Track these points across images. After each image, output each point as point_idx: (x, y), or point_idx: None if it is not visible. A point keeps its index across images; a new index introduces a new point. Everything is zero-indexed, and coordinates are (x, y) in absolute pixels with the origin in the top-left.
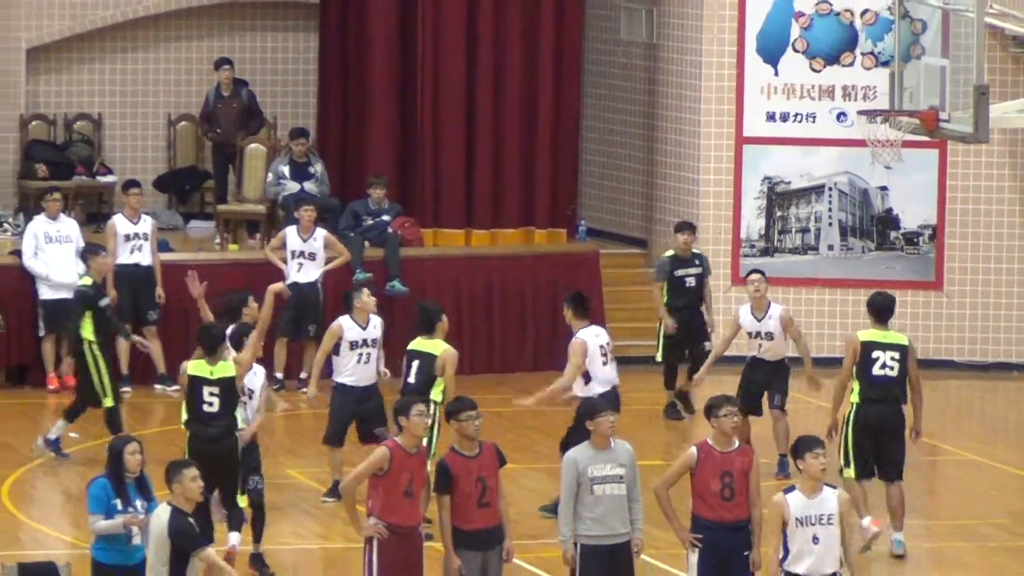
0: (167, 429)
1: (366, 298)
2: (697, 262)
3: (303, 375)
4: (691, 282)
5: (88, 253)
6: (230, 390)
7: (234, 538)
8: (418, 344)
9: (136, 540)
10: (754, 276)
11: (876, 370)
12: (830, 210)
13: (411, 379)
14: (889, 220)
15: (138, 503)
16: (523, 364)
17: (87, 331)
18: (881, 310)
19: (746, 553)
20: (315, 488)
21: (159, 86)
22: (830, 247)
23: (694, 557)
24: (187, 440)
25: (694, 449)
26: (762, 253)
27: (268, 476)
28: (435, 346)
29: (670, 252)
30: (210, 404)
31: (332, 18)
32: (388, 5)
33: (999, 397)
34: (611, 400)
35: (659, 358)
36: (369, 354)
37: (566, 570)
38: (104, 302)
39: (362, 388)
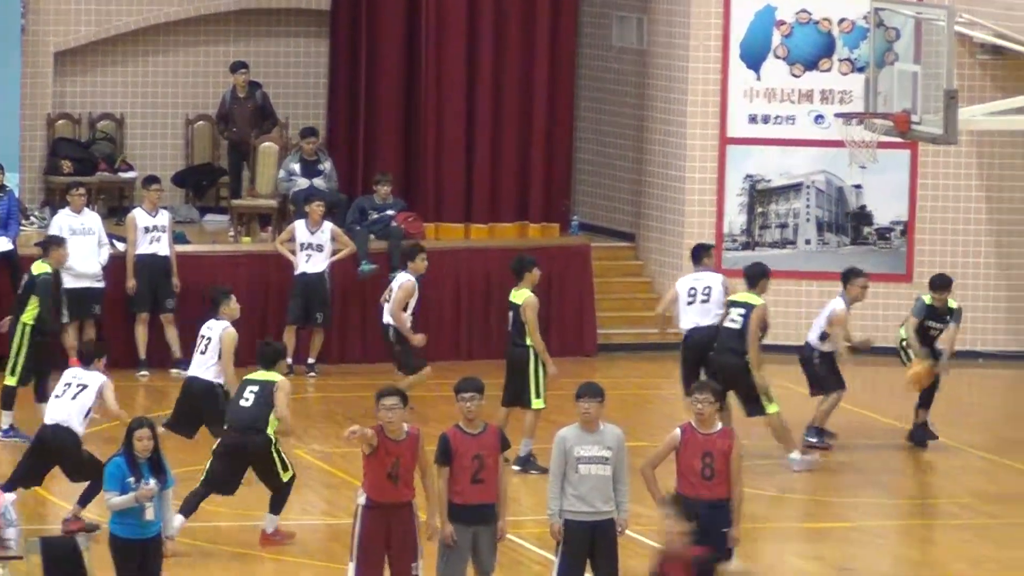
0: None
1: (233, 305)
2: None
3: (310, 360)
4: (935, 333)
5: (50, 243)
6: (268, 393)
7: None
8: (512, 295)
9: (149, 515)
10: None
11: (726, 323)
12: (808, 207)
13: (510, 327)
14: (863, 216)
15: (152, 481)
16: None
17: (29, 316)
18: (747, 276)
19: (724, 530)
20: (320, 467)
21: (178, 88)
22: (807, 241)
23: None
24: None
25: (678, 430)
26: (744, 247)
27: None
28: (519, 295)
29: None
30: (247, 400)
31: (342, 25)
32: (395, 13)
33: (964, 383)
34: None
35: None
36: None
37: (554, 544)
38: (60, 289)
39: None
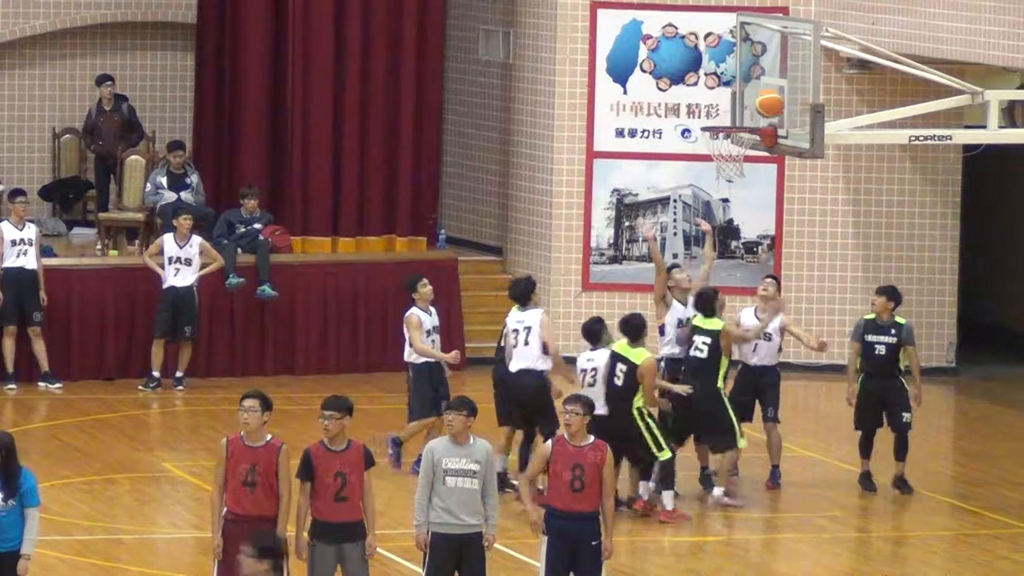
0: (50, 424)
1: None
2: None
3: (178, 373)
4: (881, 350)
5: None
6: (634, 373)
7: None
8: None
9: None
10: (768, 280)
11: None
12: (675, 221)
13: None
14: (730, 230)
15: None
16: (386, 364)
17: None
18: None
19: (594, 542)
20: (188, 480)
21: (44, 101)
22: (675, 255)
23: (544, 544)
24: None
25: (549, 442)
26: (611, 261)
27: (143, 469)
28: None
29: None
30: (619, 378)
31: (208, 38)
32: (261, 26)
33: (834, 397)
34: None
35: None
36: None
37: (421, 556)
38: None
39: None
